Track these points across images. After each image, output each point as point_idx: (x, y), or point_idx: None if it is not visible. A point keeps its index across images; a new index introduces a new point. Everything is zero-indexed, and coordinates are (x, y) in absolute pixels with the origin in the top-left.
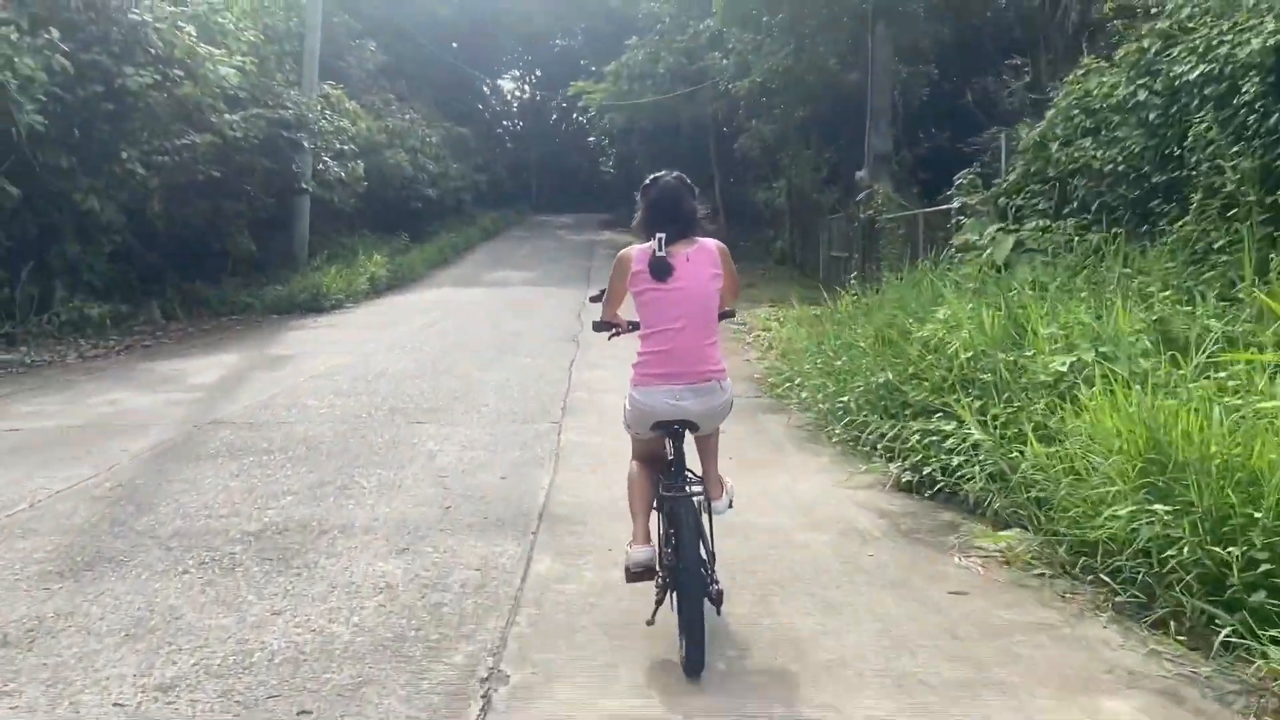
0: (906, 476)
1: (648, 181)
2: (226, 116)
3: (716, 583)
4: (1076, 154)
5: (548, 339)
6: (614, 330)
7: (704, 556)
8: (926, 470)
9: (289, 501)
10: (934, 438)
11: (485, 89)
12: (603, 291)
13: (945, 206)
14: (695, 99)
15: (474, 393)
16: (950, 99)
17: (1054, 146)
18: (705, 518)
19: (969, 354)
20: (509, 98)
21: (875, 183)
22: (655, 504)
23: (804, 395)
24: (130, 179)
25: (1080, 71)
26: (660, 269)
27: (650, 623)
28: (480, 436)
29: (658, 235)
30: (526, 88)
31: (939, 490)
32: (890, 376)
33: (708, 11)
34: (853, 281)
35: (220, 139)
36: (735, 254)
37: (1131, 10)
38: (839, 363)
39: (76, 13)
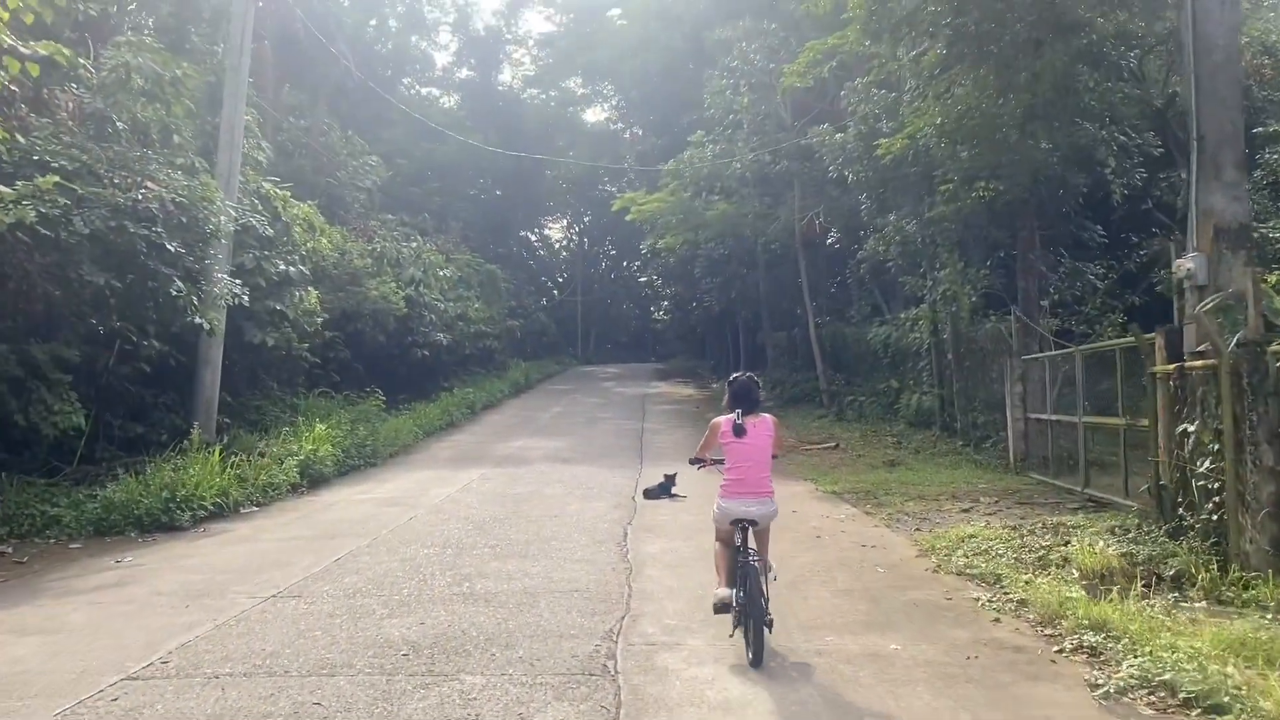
0: None
1: (730, 379)
2: None
3: (769, 614)
4: None
5: (538, 664)
6: (711, 464)
7: (762, 598)
8: None
9: None
10: None
11: (531, 235)
12: (662, 483)
13: None
14: (779, 209)
15: None
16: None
17: None
18: (761, 578)
19: None
20: (555, 245)
21: (1224, 274)
22: (729, 569)
23: None
24: None
25: None
26: (739, 431)
27: (731, 635)
28: None
29: (737, 410)
30: (575, 235)
31: None
32: None
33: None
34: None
35: None
36: (846, 412)
37: None
38: None
39: None
